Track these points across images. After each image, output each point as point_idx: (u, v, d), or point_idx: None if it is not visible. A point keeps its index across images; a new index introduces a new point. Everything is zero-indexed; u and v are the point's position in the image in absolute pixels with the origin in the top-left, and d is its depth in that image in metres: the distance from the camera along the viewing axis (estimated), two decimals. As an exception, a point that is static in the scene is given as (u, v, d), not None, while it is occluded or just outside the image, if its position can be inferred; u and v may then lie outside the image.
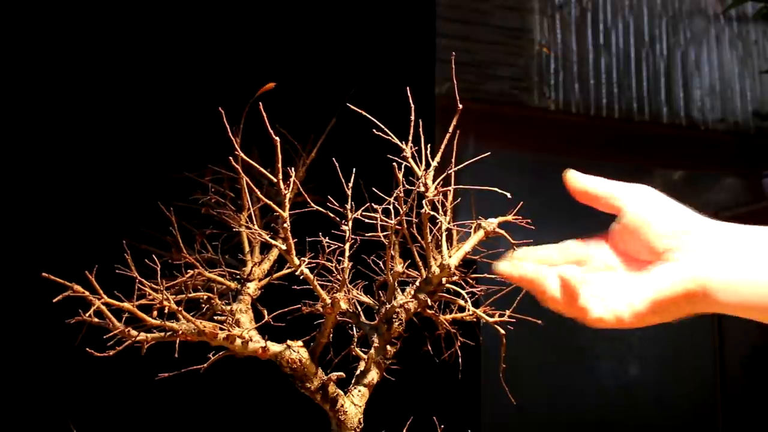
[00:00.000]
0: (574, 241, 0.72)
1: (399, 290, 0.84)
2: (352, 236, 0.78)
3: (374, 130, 0.78)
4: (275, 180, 0.75)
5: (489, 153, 0.87)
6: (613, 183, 0.69)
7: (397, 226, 0.79)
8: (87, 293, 0.75)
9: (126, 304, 0.77)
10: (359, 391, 0.85)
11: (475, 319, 0.88)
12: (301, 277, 0.79)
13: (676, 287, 0.61)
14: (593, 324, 0.64)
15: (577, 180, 0.70)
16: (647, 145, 3.43)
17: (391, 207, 0.79)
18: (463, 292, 0.85)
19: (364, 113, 0.78)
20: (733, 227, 0.62)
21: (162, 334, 0.80)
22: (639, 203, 0.66)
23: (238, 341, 0.81)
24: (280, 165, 0.74)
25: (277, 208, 0.76)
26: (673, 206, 0.65)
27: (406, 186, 0.78)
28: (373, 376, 0.85)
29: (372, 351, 0.85)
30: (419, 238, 0.81)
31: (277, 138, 0.74)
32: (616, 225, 0.68)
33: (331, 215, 0.79)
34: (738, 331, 3.42)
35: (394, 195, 0.78)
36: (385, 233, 0.79)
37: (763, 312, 0.58)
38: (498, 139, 3.26)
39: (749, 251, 0.60)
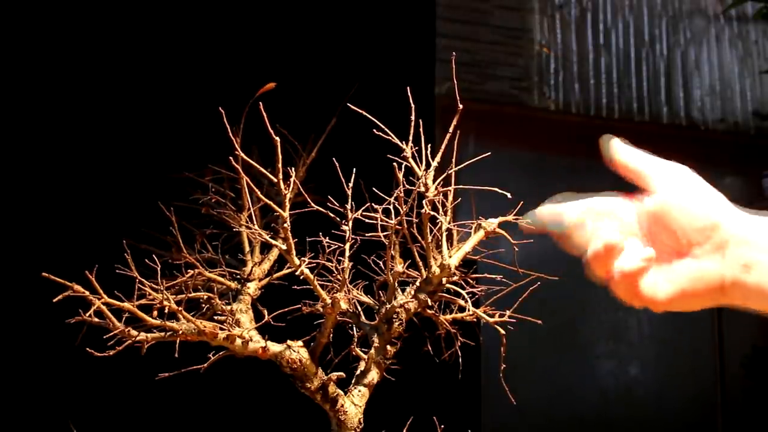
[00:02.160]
0: (615, 196, 0.69)
1: (399, 290, 0.84)
2: (352, 236, 0.78)
3: (374, 130, 0.78)
4: (275, 180, 0.75)
5: (489, 153, 0.87)
6: (647, 159, 0.67)
7: (397, 226, 0.79)
8: (87, 293, 0.75)
9: (126, 304, 0.77)
10: (359, 391, 0.85)
11: (475, 319, 0.88)
12: (301, 277, 0.79)
13: (697, 285, 0.60)
14: (626, 299, 0.63)
15: (614, 150, 0.69)
16: (647, 145, 3.42)
17: (391, 207, 0.79)
18: (463, 292, 0.85)
19: (364, 113, 0.78)
20: (762, 221, 0.60)
21: (162, 334, 0.80)
22: (668, 188, 0.64)
23: (238, 341, 0.81)
24: (280, 165, 0.74)
25: (277, 208, 0.76)
26: (704, 195, 0.63)
27: (407, 186, 0.78)
28: (373, 376, 0.85)
29: (372, 351, 0.85)
30: (419, 238, 0.81)
31: (277, 138, 0.74)
32: (647, 202, 0.66)
33: (331, 215, 0.79)
34: (738, 330, 3.42)
35: (394, 195, 0.78)
36: (385, 233, 0.79)
37: None
38: (498, 139, 3.26)
39: None
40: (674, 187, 0.64)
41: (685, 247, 0.62)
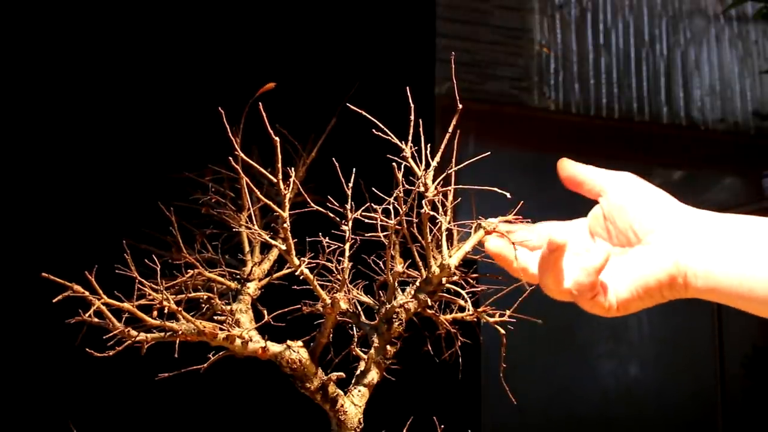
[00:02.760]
0: (551, 222, 0.73)
1: (399, 290, 0.84)
2: (352, 236, 0.78)
3: (374, 130, 0.78)
4: (275, 180, 0.75)
5: (489, 153, 0.87)
6: (597, 169, 0.70)
7: (397, 226, 0.79)
8: (87, 293, 0.75)
9: (126, 304, 0.77)
10: (359, 391, 0.85)
11: (475, 319, 0.88)
12: (301, 277, 0.79)
13: (658, 273, 0.61)
14: (588, 310, 0.64)
15: (566, 167, 0.72)
16: (647, 145, 3.43)
17: (391, 207, 0.79)
18: (463, 292, 0.85)
19: (364, 113, 0.78)
20: (711, 214, 0.63)
21: (162, 334, 0.80)
22: (619, 188, 0.67)
23: (238, 341, 0.81)
24: (280, 165, 0.74)
25: (277, 208, 0.76)
26: (653, 191, 0.66)
27: (406, 186, 0.78)
28: (373, 376, 0.85)
29: (372, 351, 0.85)
30: (419, 238, 0.81)
31: (277, 138, 0.74)
32: (596, 209, 0.69)
33: (331, 215, 0.79)
34: (738, 330, 3.43)
35: (394, 195, 0.78)
36: (385, 233, 0.79)
37: (742, 300, 0.58)
38: (498, 139, 3.26)
39: (727, 238, 0.60)
40: (624, 186, 0.67)
41: (640, 240, 0.64)
